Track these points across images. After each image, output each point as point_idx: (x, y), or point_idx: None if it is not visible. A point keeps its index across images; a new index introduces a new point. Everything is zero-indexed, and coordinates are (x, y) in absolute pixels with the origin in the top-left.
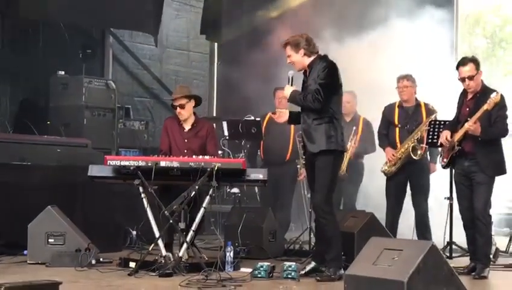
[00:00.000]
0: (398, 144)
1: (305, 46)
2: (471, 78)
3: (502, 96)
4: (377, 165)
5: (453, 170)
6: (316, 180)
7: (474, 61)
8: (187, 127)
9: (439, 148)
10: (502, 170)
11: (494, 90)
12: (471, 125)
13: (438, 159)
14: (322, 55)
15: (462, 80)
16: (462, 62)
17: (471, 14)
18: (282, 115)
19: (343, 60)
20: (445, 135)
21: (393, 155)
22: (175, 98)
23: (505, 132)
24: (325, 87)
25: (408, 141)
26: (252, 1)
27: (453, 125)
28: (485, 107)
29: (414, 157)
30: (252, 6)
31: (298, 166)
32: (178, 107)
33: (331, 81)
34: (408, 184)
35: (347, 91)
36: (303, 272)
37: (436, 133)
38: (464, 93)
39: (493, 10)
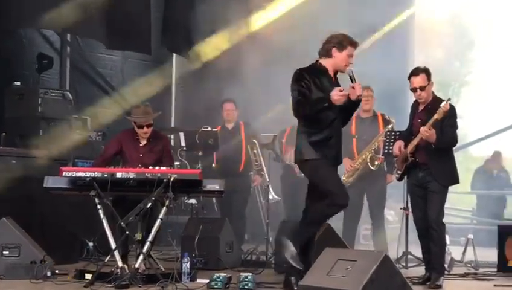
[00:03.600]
0: (356, 155)
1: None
2: (422, 88)
3: (451, 105)
4: None
5: (408, 181)
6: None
7: (426, 71)
8: (143, 141)
9: (395, 159)
10: (454, 180)
11: (440, 99)
12: (426, 131)
13: (395, 170)
14: None
15: (414, 90)
16: (414, 72)
17: (427, 24)
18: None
19: None
20: (399, 145)
21: (351, 166)
22: (143, 119)
23: (454, 141)
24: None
25: (365, 151)
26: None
27: (406, 136)
28: (435, 116)
29: (372, 168)
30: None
31: (251, 173)
32: (145, 127)
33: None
34: (365, 194)
35: None
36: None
37: (392, 144)
38: (416, 104)
39: (449, 21)
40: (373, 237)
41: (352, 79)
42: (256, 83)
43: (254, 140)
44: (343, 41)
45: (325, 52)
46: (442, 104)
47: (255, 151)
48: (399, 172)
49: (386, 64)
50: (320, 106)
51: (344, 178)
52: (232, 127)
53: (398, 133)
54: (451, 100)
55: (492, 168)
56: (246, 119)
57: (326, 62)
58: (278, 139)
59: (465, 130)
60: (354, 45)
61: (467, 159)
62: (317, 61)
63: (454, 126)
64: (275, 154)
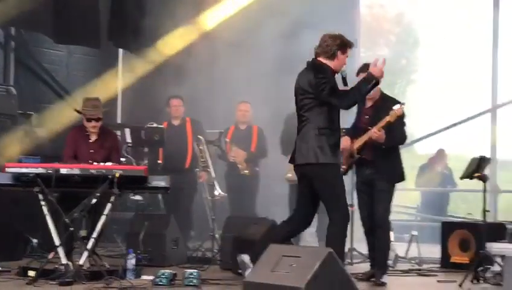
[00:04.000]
0: None
1: None
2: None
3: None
4: (277, 172)
5: (355, 178)
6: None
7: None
8: (93, 137)
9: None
10: (400, 177)
11: (394, 99)
12: (375, 132)
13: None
14: None
15: None
16: (363, 68)
17: (373, 23)
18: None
19: None
20: (345, 141)
21: None
22: (92, 112)
23: (403, 139)
24: None
25: None
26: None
27: (352, 132)
28: (388, 119)
29: None
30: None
31: (197, 169)
32: (94, 121)
33: None
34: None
35: (244, 101)
36: None
37: None
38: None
39: (395, 19)
40: (318, 233)
41: (345, 81)
42: (204, 80)
43: (200, 137)
44: (345, 44)
45: (329, 53)
46: (396, 107)
47: (201, 147)
48: (344, 167)
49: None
50: (370, 87)
51: (290, 175)
52: (178, 124)
53: (344, 130)
54: (404, 104)
55: (437, 165)
56: (192, 116)
57: (329, 63)
58: (223, 136)
59: (410, 128)
60: (352, 46)
61: (412, 157)
62: (318, 59)
63: (404, 125)
64: (220, 151)
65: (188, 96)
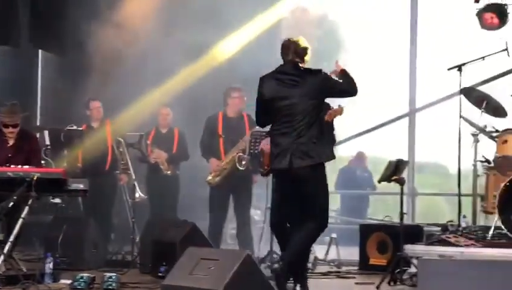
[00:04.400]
0: (223, 155)
1: None
2: None
3: None
4: (199, 175)
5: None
6: None
7: None
8: (11, 141)
9: (261, 160)
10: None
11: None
12: None
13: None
14: None
15: None
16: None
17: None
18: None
19: None
20: (266, 141)
21: (218, 166)
22: (9, 119)
23: (334, 141)
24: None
25: (233, 152)
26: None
27: None
28: (326, 118)
29: (239, 168)
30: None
31: (117, 171)
32: (11, 127)
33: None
34: (231, 195)
35: (165, 105)
36: None
37: (258, 144)
38: None
39: (317, 24)
40: (238, 236)
41: None
42: (124, 82)
43: (120, 139)
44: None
45: (302, 58)
46: (335, 107)
47: (121, 150)
48: (266, 167)
49: (254, 67)
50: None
51: (210, 178)
52: (98, 126)
53: (264, 134)
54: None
55: (356, 168)
56: (112, 118)
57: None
58: (144, 139)
59: None
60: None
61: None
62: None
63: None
64: (141, 154)
65: (109, 99)
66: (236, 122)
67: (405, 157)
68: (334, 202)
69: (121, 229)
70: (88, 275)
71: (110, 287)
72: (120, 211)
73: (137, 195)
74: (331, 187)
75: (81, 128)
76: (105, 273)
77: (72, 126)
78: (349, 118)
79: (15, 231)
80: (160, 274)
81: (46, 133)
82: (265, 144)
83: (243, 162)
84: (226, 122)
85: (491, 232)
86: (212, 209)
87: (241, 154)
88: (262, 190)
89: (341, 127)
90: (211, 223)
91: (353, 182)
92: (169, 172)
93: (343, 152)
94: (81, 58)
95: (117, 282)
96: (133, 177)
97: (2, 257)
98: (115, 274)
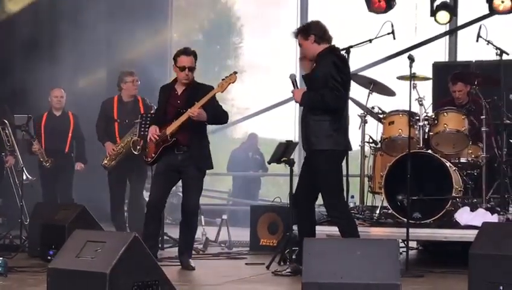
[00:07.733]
0: (118, 139)
1: (314, 32)
2: (191, 69)
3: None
4: (96, 158)
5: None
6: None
7: (195, 54)
8: None
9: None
10: (211, 165)
11: (205, 85)
12: (195, 110)
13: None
14: (333, 46)
15: (183, 68)
16: (186, 52)
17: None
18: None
19: None
20: (153, 129)
21: (113, 150)
22: None
23: (226, 116)
24: (341, 84)
25: (128, 136)
26: None
27: (159, 119)
28: (218, 89)
29: (134, 152)
30: None
31: (3, 154)
32: None
33: (345, 77)
34: (127, 177)
35: (58, 87)
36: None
37: (148, 126)
38: (171, 87)
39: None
40: (129, 219)
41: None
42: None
43: (5, 120)
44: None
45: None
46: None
47: (7, 131)
48: (153, 155)
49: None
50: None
51: (106, 162)
52: None
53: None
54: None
55: (248, 150)
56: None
57: None
58: (32, 122)
59: None
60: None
61: (225, 141)
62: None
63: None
64: (29, 136)
65: None
66: (132, 106)
67: (295, 139)
68: (227, 184)
69: (9, 212)
70: None
71: None
72: (8, 194)
73: (25, 177)
74: (223, 169)
75: None
76: None
77: None
78: (242, 99)
79: None
80: (49, 258)
81: None
82: (153, 133)
83: (138, 147)
84: (120, 106)
85: (377, 212)
86: (111, 192)
87: (136, 138)
88: None
89: (234, 108)
90: (111, 205)
91: (245, 163)
92: (48, 164)
93: (235, 134)
94: None
95: (4, 266)
96: (20, 160)
97: None
98: (1, 258)
